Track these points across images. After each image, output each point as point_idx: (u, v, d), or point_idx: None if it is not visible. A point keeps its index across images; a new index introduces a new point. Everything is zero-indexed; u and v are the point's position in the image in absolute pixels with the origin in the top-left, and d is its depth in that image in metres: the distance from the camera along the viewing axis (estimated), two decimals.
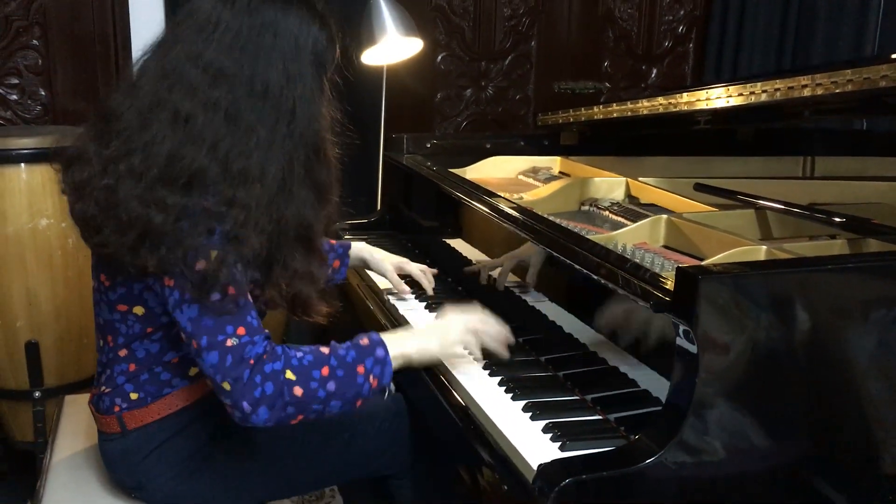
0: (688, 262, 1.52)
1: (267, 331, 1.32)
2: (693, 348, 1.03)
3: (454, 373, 1.45)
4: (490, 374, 1.44)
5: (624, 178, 2.12)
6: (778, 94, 1.67)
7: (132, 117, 1.32)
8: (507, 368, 1.46)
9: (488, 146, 2.54)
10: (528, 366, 1.48)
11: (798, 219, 1.68)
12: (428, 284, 1.87)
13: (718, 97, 1.88)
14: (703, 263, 1.33)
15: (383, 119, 2.64)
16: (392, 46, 2.46)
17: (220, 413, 1.41)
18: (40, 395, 2.30)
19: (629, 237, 1.66)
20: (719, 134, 2.54)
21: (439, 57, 3.08)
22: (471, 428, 1.32)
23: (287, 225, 1.34)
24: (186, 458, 1.45)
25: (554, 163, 2.52)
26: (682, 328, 1.05)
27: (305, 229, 1.37)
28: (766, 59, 3.32)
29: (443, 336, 1.46)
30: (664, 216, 1.68)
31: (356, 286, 2.02)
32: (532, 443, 1.20)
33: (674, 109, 2.06)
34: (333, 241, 1.88)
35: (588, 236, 1.66)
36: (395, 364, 1.39)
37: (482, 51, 3.11)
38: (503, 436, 1.23)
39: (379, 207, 2.60)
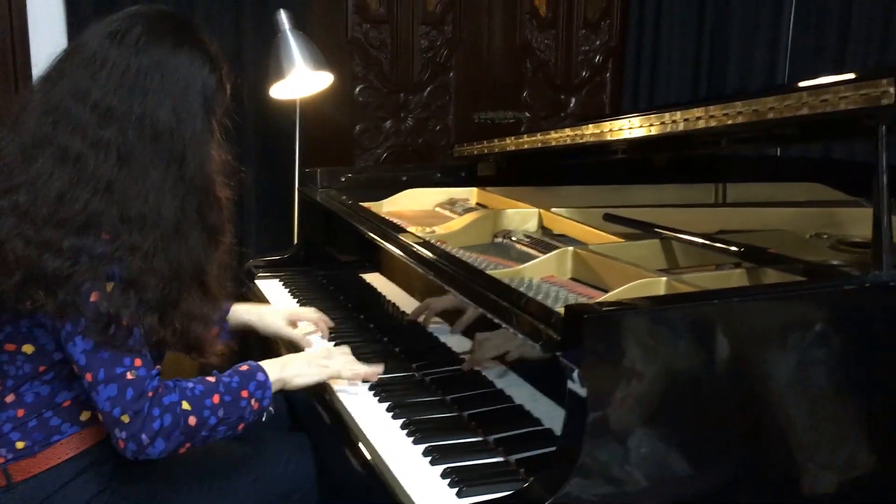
0: (594, 295, 1.51)
1: (158, 366, 1.33)
2: (582, 390, 1.01)
3: (352, 414, 1.42)
4: (393, 417, 1.40)
5: (536, 210, 2.12)
6: (679, 125, 1.68)
7: (14, 152, 1.30)
8: (411, 409, 1.42)
9: (405, 178, 2.52)
10: (433, 406, 1.45)
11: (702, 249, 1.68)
12: (324, 329, 1.84)
13: (621, 128, 1.89)
14: (596, 300, 1.32)
15: (297, 153, 2.59)
16: (301, 80, 2.42)
17: (112, 461, 1.40)
18: None
19: (536, 270, 1.65)
20: (635, 162, 2.57)
21: (357, 89, 3.05)
22: (369, 473, 1.28)
23: (180, 267, 1.33)
24: None
25: (471, 194, 2.51)
26: (568, 369, 1.03)
27: (199, 272, 1.37)
28: (682, 88, 3.38)
29: (312, 360, 1.52)
30: (570, 248, 1.68)
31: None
32: (429, 489, 1.17)
33: (580, 140, 2.07)
34: None
35: (496, 270, 1.65)
36: (273, 388, 1.43)
37: (400, 82, 3.10)
38: (398, 482, 1.19)
39: (295, 243, 2.54)
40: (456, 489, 1.15)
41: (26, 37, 2.59)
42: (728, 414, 1.11)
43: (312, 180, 2.43)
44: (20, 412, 1.37)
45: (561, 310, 1.07)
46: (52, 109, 1.29)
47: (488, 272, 1.57)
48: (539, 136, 2.21)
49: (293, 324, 1.84)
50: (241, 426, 1.38)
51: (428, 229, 2.02)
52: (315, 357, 1.55)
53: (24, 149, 1.28)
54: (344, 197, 2.31)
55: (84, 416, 1.39)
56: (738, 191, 2.48)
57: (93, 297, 1.24)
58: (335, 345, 1.76)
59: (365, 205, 2.38)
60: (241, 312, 1.80)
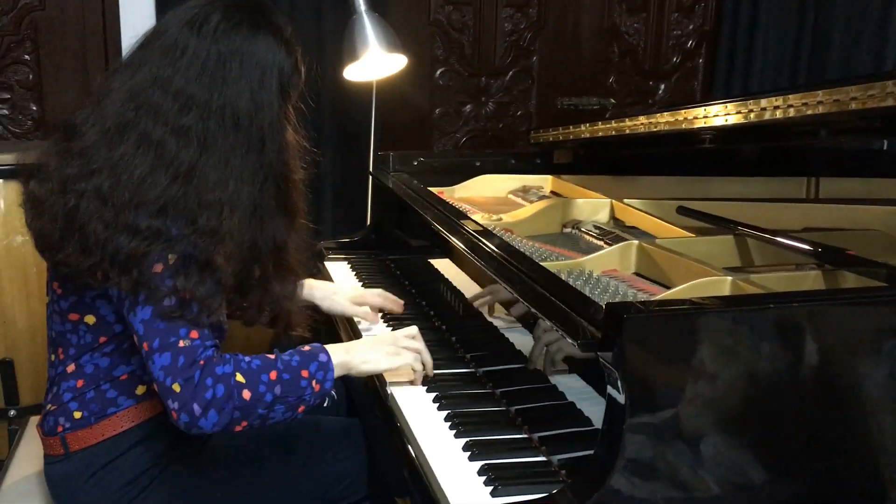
0: (655, 292, 1.44)
1: (216, 340, 1.33)
2: (620, 396, 0.95)
3: (399, 402, 1.39)
4: (438, 408, 1.37)
5: (608, 200, 2.04)
6: (778, 112, 1.57)
7: (96, 137, 1.33)
8: (457, 401, 1.39)
9: (478, 164, 2.48)
10: (480, 399, 1.41)
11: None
12: (394, 306, 1.81)
13: (717, 115, 1.78)
14: (636, 300, 1.25)
15: (372, 136, 2.58)
16: (375, 62, 2.41)
17: (166, 438, 1.42)
18: (15, 413, 2.28)
19: (598, 263, 1.58)
20: (722, 153, 2.44)
21: (438, 72, 3.02)
22: (409, 464, 1.26)
23: (257, 249, 1.37)
24: (129, 482, 1.41)
25: (545, 182, 2.44)
26: (608, 371, 0.97)
27: (278, 253, 1.43)
28: (779, 75, 3.20)
29: (379, 347, 1.46)
30: (635, 242, 1.60)
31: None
32: (464, 485, 1.13)
33: (661, 129, 1.97)
34: None
35: (557, 262, 1.59)
36: (336, 371, 1.38)
37: (482, 66, 3.05)
38: (434, 476, 1.16)
39: (368, 226, 2.54)
40: (491, 487, 1.11)
41: (117, 29, 2.67)
42: (780, 428, 1.03)
43: (385, 164, 2.41)
44: (79, 383, 1.41)
45: (604, 306, 1.01)
46: (135, 96, 1.31)
47: (544, 263, 1.52)
48: (615, 124, 2.12)
49: (358, 306, 1.82)
50: (301, 408, 1.35)
51: (494, 217, 1.98)
52: (382, 344, 1.48)
53: (107, 134, 1.31)
54: (416, 181, 2.29)
55: (140, 390, 1.42)
56: (833, 185, 2.33)
57: (156, 269, 1.26)
58: (392, 328, 1.75)
59: (437, 190, 2.36)
60: (307, 288, 1.78)
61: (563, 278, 1.47)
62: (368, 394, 1.56)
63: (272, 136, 1.34)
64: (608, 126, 2.06)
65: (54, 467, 1.43)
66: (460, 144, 3.09)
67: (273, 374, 1.32)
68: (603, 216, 2.03)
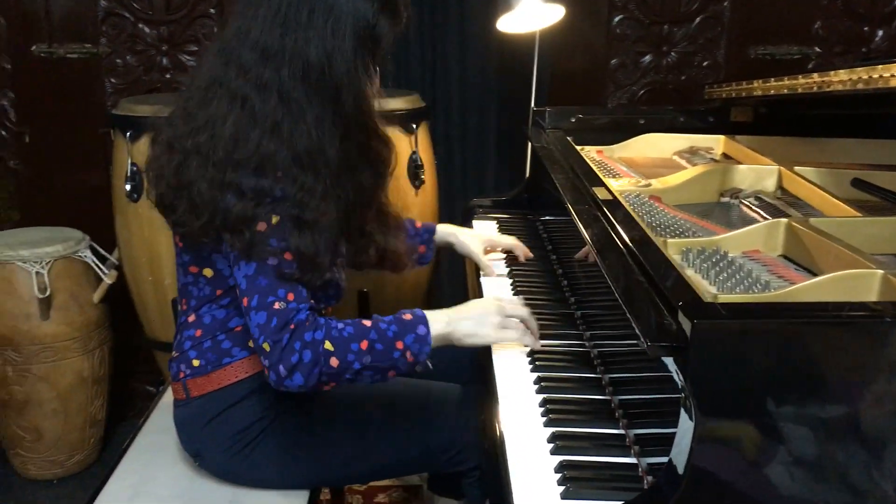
0: (797, 280, 1.25)
1: (312, 302, 1.34)
2: (686, 409, 0.82)
3: (497, 376, 1.34)
4: (537, 391, 1.29)
5: (776, 167, 1.82)
6: None
7: (194, 94, 1.37)
8: (558, 385, 1.30)
9: (642, 122, 2.30)
10: (583, 384, 1.31)
11: None
12: (520, 253, 1.88)
13: None
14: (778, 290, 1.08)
15: (534, 90, 2.47)
16: (531, 13, 2.28)
17: (276, 392, 1.43)
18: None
19: (739, 243, 1.41)
20: None
21: (615, 19, 2.82)
22: (490, 440, 1.20)
23: (353, 202, 1.40)
24: (239, 431, 1.46)
25: (717, 143, 2.23)
26: (677, 380, 0.84)
27: (370, 200, 1.49)
28: None
29: (485, 319, 1.41)
30: (784, 220, 1.40)
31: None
32: (534, 481, 1.06)
33: (872, 86, 1.69)
34: (418, 224, 1.81)
35: (690, 238, 1.44)
36: (434, 343, 1.36)
37: (665, 12, 2.81)
38: (507, 464, 1.09)
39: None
40: (563, 488, 1.03)
41: None
42: (872, 461, 0.85)
43: (541, 119, 2.30)
44: (198, 332, 1.48)
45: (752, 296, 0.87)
46: (223, 51, 1.34)
47: (673, 241, 1.37)
48: (817, 78, 1.84)
49: (488, 251, 1.89)
50: (391, 373, 1.35)
51: (643, 182, 1.83)
52: (488, 314, 1.42)
53: (202, 91, 1.34)
54: (570, 139, 2.17)
55: (252, 342, 1.45)
56: None
57: (259, 227, 1.28)
58: (514, 293, 1.68)
59: (596, 149, 2.23)
60: (444, 233, 1.87)
61: (684, 260, 1.33)
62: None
63: (348, 86, 1.31)
64: (808, 80, 1.78)
65: (178, 410, 1.52)
66: (637, 98, 2.89)
67: (364, 344, 1.31)
68: (769, 185, 1.81)
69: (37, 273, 2.37)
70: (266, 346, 1.27)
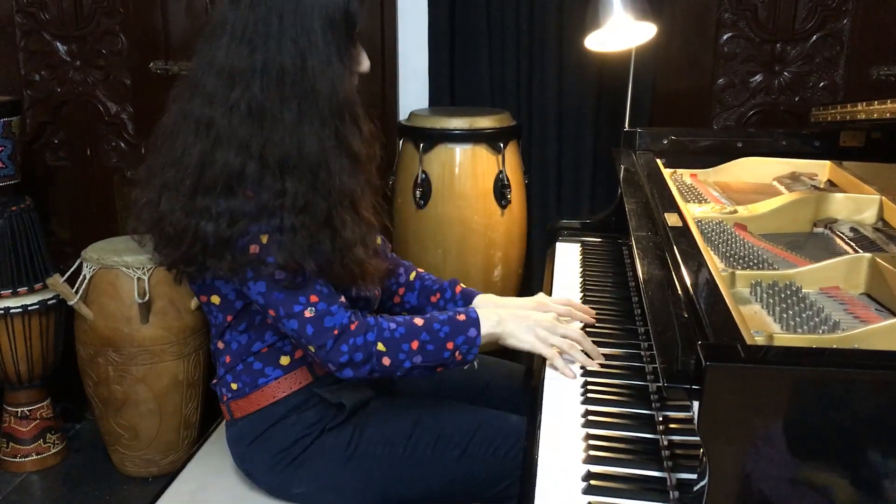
0: (875, 321, 1.14)
1: (343, 298, 1.36)
2: (703, 472, 0.75)
3: (544, 401, 1.30)
4: (583, 425, 1.23)
5: (878, 197, 1.67)
6: None
7: (163, 133, 1.38)
8: (606, 418, 1.23)
9: (740, 145, 2.18)
10: (635, 422, 1.23)
11: None
12: (582, 318, 1.56)
13: None
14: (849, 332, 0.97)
15: (628, 109, 2.39)
16: (621, 31, 2.20)
17: (317, 409, 1.47)
18: None
19: (817, 278, 1.30)
20: None
21: (723, 38, 2.69)
22: (525, 470, 1.14)
23: (330, 196, 1.33)
24: (282, 451, 1.47)
25: (822, 168, 2.08)
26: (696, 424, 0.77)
27: (348, 197, 1.36)
28: None
29: (533, 328, 1.43)
30: (867, 256, 1.28)
31: None
32: None
33: None
34: (458, 289, 1.67)
35: (764, 271, 1.34)
36: (483, 341, 1.41)
37: (778, 30, 2.66)
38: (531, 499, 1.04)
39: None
40: None
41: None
42: None
43: (632, 141, 2.22)
44: (227, 358, 1.49)
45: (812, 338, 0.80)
46: (190, 86, 1.35)
47: (742, 272, 1.28)
48: None
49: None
50: (438, 369, 1.40)
51: (728, 209, 1.72)
52: (538, 324, 1.44)
53: (170, 128, 1.36)
54: (662, 161, 2.08)
55: (284, 360, 1.46)
56: None
57: (252, 250, 1.29)
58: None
59: (690, 172, 2.13)
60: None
61: (752, 294, 1.24)
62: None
63: (322, 77, 1.29)
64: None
65: (228, 430, 1.54)
66: (745, 119, 2.75)
67: (415, 344, 1.36)
68: (868, 216, 1.67)
69: (138, 279, 2.49)
70: (311, 348, 1.34)
